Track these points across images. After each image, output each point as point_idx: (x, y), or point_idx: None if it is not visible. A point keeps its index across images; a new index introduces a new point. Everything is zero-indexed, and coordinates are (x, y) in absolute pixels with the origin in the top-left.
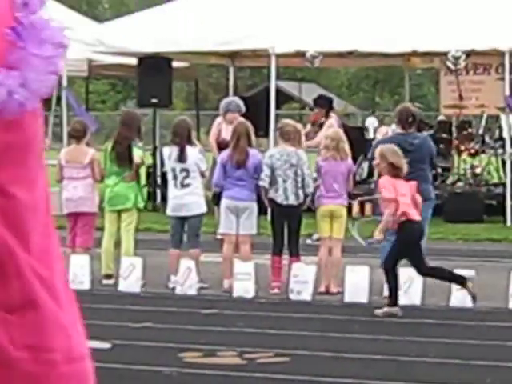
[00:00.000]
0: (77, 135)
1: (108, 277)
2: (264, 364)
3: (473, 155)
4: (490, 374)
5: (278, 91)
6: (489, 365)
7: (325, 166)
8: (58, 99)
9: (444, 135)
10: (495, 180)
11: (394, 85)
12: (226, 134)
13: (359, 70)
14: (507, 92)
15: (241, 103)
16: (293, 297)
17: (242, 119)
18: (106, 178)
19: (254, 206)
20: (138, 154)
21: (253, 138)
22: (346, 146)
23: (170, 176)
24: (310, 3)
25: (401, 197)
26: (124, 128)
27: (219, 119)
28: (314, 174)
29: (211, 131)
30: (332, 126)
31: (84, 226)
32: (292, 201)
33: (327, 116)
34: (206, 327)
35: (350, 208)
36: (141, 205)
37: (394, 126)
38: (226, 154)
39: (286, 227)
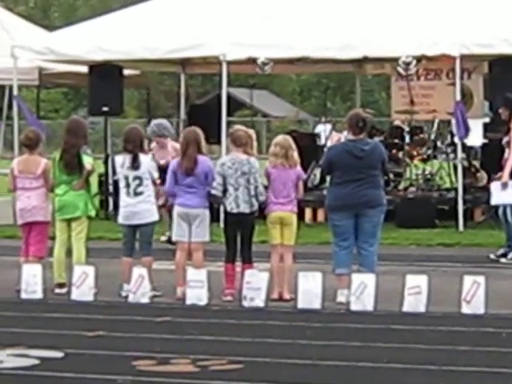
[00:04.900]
0: (29, 144)
1: (60, 286)
2: (217, 371)
3: (425, 160)
4: (442, 379)
5: (230, 98)
6: (441, 369)
7: (273, 172)
8: (10, 108)
9: (396, 141)
10: (447, 185)
11: (346, 91)
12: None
13: (311, 77)
14: (458, 97)
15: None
16: (246, 304)
17: (192, 127)
18: (55, 187)
19: (206, 213)
20: (88, 160)
21: (203, 144)
22: (295, 154)
23: (122, 184)
24: (260, 10)
25: None
26: (71, 136)
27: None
28: (266, 182)
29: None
30: None
31: (37, 235)
32: (243, 209)
33: (511, 119)
34: (159, 335)
35: (301, 214)
36: (92, 213)
37: (345, 133)
38: (176, 161)
39: (239, 235)
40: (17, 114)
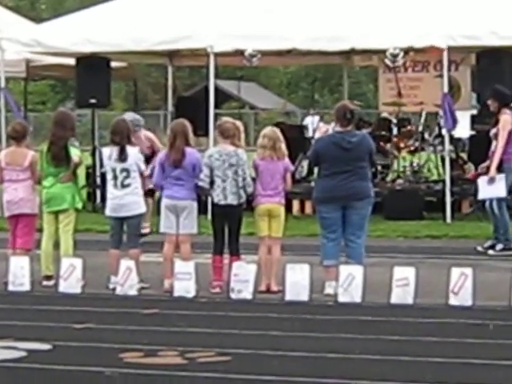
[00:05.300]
0: (16, 136)
1: (48, 278)
2: (205, 363)
3: (412, 152)
4: (430, 371)
5: (217, 90)
6: (429, 361)
7: (262, 164)
8: None
9: (383, 133)
10: (435, 177)
11: (334, 83)
12: None
13: (298, 69)
14: (445, 89)
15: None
16: (234, 296)
17: (179, 119)
18: (42, 179)
19: (194, 205)
20: (75, 153)
21: (190, 136)
22: (283, 146)
23: (109, 176)
24: (247, 2)
25: None
26: (58, 128)
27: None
28: (254, 174)
29: None
30: (507, 122)
31: (25, 227)
32: (231, 200)
33: (499, 111)
34: (147, 327)
35: (289, 206)
36: (79, 205)
37: (333, 124)
38: (163, 153)
39: (227, 227)
40: (4, 107)
